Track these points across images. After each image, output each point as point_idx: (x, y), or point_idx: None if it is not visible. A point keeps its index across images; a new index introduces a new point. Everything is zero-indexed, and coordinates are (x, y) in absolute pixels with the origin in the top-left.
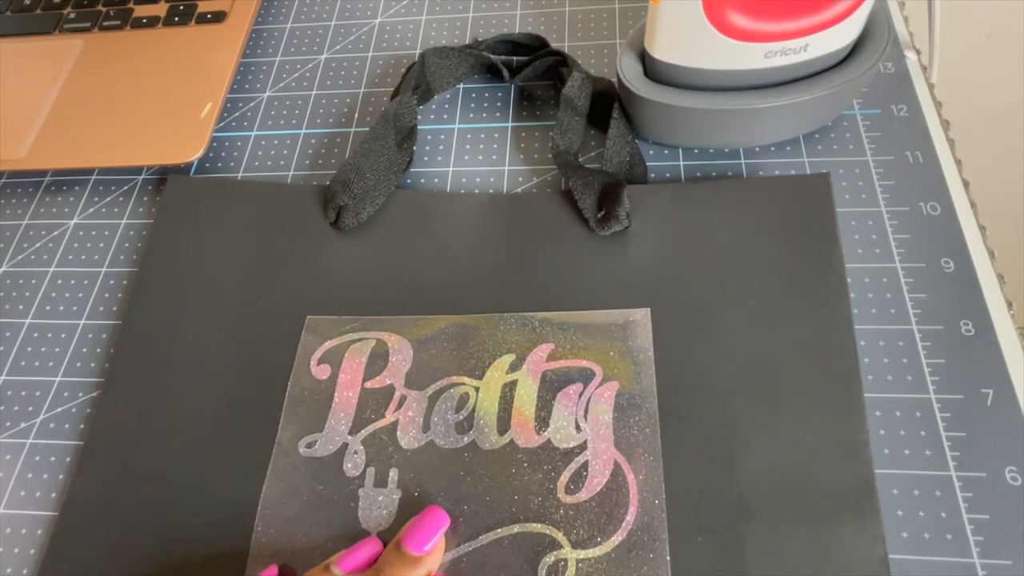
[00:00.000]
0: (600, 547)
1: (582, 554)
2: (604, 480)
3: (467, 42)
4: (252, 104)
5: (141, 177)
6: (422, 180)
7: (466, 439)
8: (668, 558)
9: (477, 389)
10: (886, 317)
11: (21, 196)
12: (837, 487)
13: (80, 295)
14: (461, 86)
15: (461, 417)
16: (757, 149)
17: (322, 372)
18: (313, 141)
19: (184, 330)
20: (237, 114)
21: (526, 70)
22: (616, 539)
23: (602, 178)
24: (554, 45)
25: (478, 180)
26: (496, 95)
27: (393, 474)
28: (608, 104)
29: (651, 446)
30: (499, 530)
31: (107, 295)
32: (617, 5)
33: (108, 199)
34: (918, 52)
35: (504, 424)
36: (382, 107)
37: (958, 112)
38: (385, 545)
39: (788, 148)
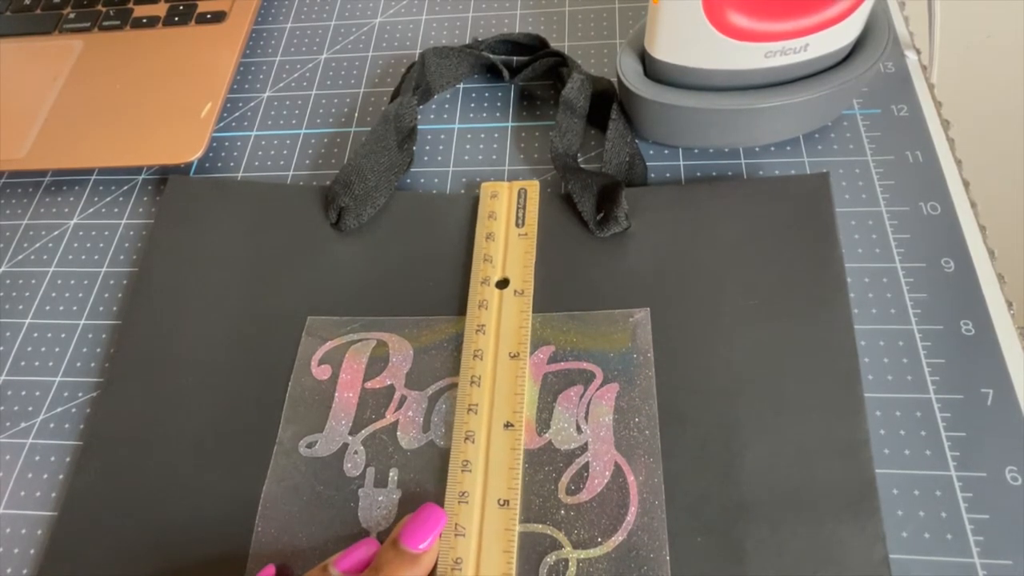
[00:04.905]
0: (601, 547)
1: (583, 554)
2: (604, 481)
3: (467, 42)
4: (252, 104)
5: (141, 177)
6: (422, 180)
7: None
8: (668, 558)
9: None
10: (886, 317)
11: (21, 196)
12: (837, 487)
13: (80, 295)
14: (461, 86)
15: None
16: (757, 149)
17: (323, 372)
18: (313, 141)
19: (184, 330)
20: (237, 114)
21: (526, 70)
22: (616, 539)
23: (600, 180)
24: (554, 45)
25: (478, 180)
26: (496, 95)
27: (393, 474)
28: (608, 104)
29: (651, 447)
30: None
31: (107, 295)
32: (617, 5)
33: (108, 199)
34: (918, 52)
35: None
36: (382, 107)
37: (958, 112)
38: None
39: (788, 148)
